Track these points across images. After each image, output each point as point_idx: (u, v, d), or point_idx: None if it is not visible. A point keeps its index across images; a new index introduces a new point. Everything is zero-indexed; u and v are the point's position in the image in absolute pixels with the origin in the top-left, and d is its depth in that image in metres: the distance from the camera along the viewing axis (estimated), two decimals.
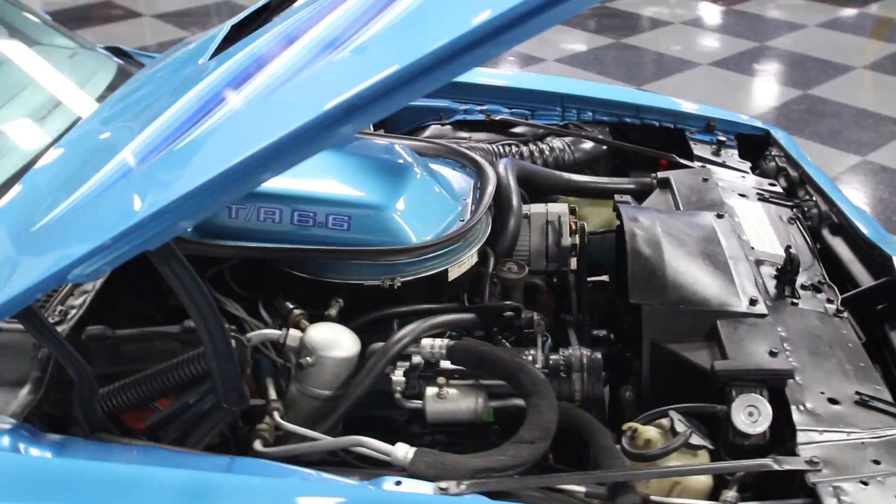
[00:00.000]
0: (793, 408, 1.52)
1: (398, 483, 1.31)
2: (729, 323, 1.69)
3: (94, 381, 1.34)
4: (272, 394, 1.58)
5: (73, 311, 1.54)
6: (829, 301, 1.84)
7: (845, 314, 1.81)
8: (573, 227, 2.02)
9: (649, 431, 1.56)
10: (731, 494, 1.42)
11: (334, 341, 1.56)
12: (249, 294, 1.80)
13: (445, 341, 1.58)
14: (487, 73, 2.77)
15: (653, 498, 1.44)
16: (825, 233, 2.17)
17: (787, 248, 1.84)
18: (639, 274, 1.78)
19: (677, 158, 2.40)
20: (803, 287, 1.87)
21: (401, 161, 1.89)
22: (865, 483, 1.38)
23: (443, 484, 1.30)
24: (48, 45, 2.59)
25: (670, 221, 1.94)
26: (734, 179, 2.29)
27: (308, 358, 1.54)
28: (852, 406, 1.54)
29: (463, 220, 1.83)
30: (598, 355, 1.64)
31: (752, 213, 2.12)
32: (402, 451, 1.38)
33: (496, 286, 1.87)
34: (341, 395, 1.55)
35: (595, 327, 2.03)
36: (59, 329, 1.48)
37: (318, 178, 1.78)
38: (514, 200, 1.99)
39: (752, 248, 1.96)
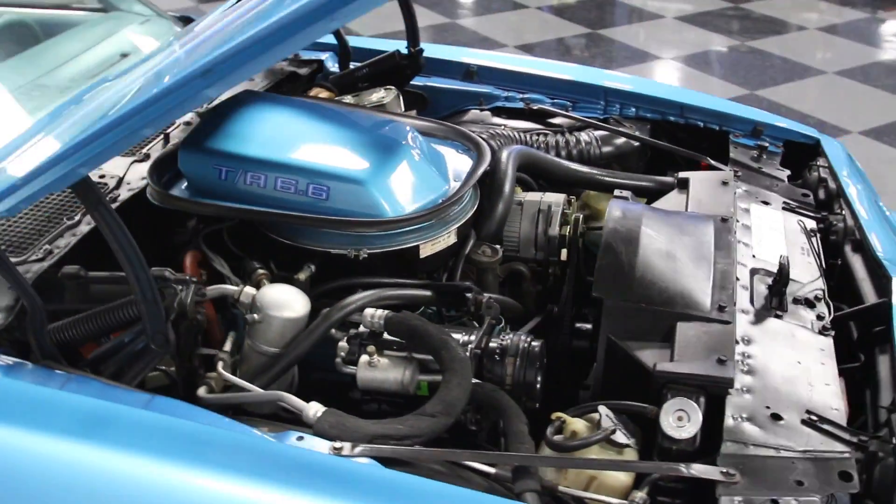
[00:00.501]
0: (729, 418, 1.48)
1: (300, 438, 1.37)
2: (689, 326, 1.65)
3: (44, 313, 1.46)
4: (227, 346, 1.67)
5: (57, 251, 1.68)
6: (820, 317, 1.76)
7: (831, 333, 1.72)
8: (566, 218, 2.01)
9: (577, 423, 1.54)
10: (639, 495, 1.39)
11: (283, 301, 1.63)
12: (244, 255, 1.90)
13: (385, 312, 1.62)
14: (534, 63, 2.76)
15: (561, 489, 1.44)
16: (847, 249, 2.07)
17: (781, 263, 1.77)
18: (606, 268, 1.76)
19: (710, 160, 2.33)
20: (796, 300, 1.79)
21: (395, 137, 1.92)
22: (776, 503, 1.32)
23: (337, 444, 1.35)
24: (127, 11, 2.79)
25: (660, 220, 1.89)
26: (761, 186, 2.21)
27: (255, 315, 1.62)
28: (796, 424, 1.48)
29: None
30: (537, 344, 1.63)
31: (768, 221, 2.04)
32: (313, 410, 1.43)
33: (474, 269, 1.89)
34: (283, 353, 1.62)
35: (584, 320, 2.01)
36: (39, 265, 1.63)
37: (306, 148, 1.85)
38: (507, 186, 1.99)
39: (754, 255, 1.90)
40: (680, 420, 1.48)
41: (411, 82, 2.65)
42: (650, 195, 2.22)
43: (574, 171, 2.22)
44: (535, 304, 2.00)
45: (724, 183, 2.15)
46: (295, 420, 1.52)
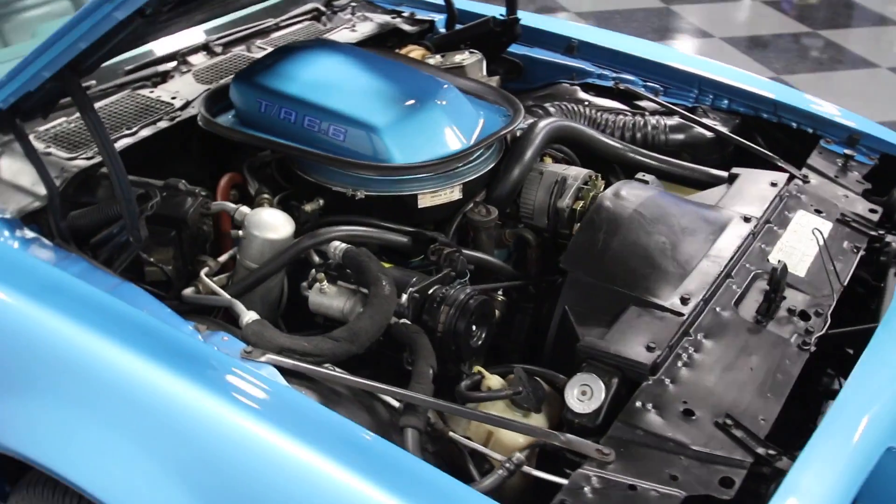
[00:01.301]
0: (637, 403, 1.46)
1: (224, 338, 1.53)
2: (639, 311, 1.63)
3: (58, 198, 1.72)
4: (222, 258, 1.85)
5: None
6: (808, 332, 1.66)
7: (809, 349, 1.62)
8: (582, 193, 2.00)
9: (493, 380, 1.59)
10: (517, 456, 1.42)
11: (266, 223, 1.79)
12: (287, 185, 2.07)
13: (345, 246, 1.73)
14: (635, 43, 2.71)
15: (452, 435, 1.49)
16: (891, 273, 1.90)
17: (774, 268, 1.69)
18: (580, 243, 1.76)
19: (780, 161, 2.20)
20: (790, 310, 1.70)
21: (425, 93, 2.00)
22: (633, 489, 1.31)
23: (248, 348, 1.49)
24: None
25: (665, 207, 1.85)
26: (826, 195, 2.07)
27: (240, 231, 1.79)
28: (707, 424, 1.43)
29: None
30: (478, 299, 1.67)
31: (809, 230, 1.92)
32: (247, 317, 1.58)
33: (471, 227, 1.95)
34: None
35: None
36: (84, 162, 1.89)
37: (337, 93, 1.97)
38: (529, 153, 2.01)
39: (768, 260, 1.81)
40: (584, 394, 1.48)
41: (510, 50, 2.70)
42: (700, 187, 2.16)
43: (620, 151, 2.19)
44: (539, 273, 2.01)
45: (773, 184, 2.04)
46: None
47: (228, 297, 1.67)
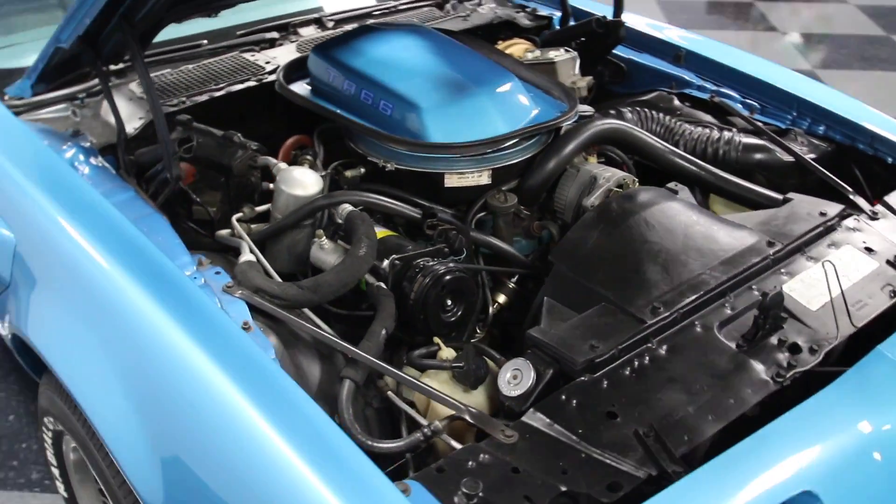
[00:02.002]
0: (561, 396, 1.47)
1: (217, 273, 1.70)
2: (603, 311, 1.63)
3: (124, 136, 1.97)
4: (260, 207, 2.03)
5: (189, 104, 2.18)
6: (790, 366, 1.58)
7: (783, 382, 1.55)
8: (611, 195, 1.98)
9: (446, 352, 1.65)
10: (436, 423, 1.48)
11: (294, 179, 1.94)
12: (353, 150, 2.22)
13: (350, 208, 1.84)
14: (744, 58, 2.61)
15: (389, 394, 1.58)
16: None
17: (765, 293, 1.62)
18: (573, 238, 1.78)
19: (851, 193, 2.06)
20: (781, 341, 1.62)
21: (482, 79, 2.08)
22: (516, 471, 1.33)
23: (230, 284, 1.65)
24: None
25: (675, 218, 1.82)
26: (884, 236, 1.92)
27: (270, 185, 1.96)
28: (625, 430, 1.42)
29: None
30: (455, 273, 1.72)
31: (848, 266, 1.81)
32: (244, 258, 1.74)
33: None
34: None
35: None
36: (169, 108, 2.14)
37: (395, 71, 2.09)
38: (569, 147, 2.02)
39: (780, 287, 1.73)
40: (514, 379, 1.51)
41: (619, 53, 2.69)
42: (753, 207, 2.07)
43: (671, 159, 2.13)
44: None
45: (823, 213, 1.93)
46: None
47: (245, 240, 1.84)
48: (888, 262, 1.84)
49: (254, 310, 1.61)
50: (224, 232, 1.98)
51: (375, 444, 1.42)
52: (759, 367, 1.56)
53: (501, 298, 1.95)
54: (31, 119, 2.14)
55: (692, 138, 2.29)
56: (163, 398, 1.46)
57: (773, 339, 1.63)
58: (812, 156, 2.24)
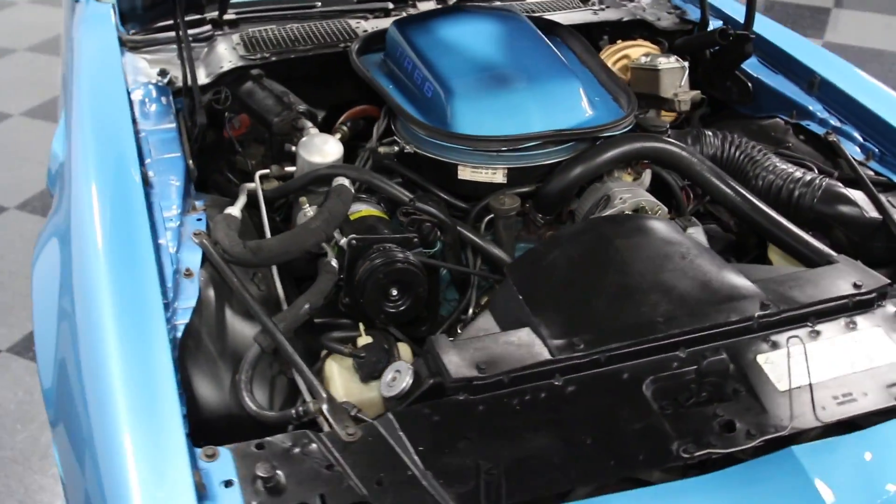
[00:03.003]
0: (424, 409, 1.41)
1: (198, 220, 1.80)
2: (520, 334, 1.52)
3: (188, 82, 2.12)
4: (290, 167, 2.09)
5: (262, 61, 2.28)
6: (708, 444, 1.39)
7: (687, 460, 1.37)
8: None
9: (363, 340, 1.63)
10: (309, 404, 1.47)
11: (312, 146, 1.98)
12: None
13: (342, 181, 1.85)
14: (876, 91, 2.25)
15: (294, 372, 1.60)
16: None
17: (704, 356, 1.44)
18: (533, 253, 1.68)
19: None
20: (716, 414, 1.43)
21: (534, 74, 2.00)
22: (329, 468, 1.30)
23: (198, 231, 1.72)
24: None
25: (657, 255, 1.64)
26: None
27: (293, 147, 2.02)
28: (463, 459, 1.33)
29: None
30: (402, 265, 1.69)
31: (855, 352, 1.54)
32: (228, 210, 1.81)
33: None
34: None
35: None
36: (244, 62, 2.26)
37: (450, 55, 2.06)
38: (596, 159, 1.88)
39: (753, 358, 1.52)
40: (393, 380, 1.48)
41: (747, 69, 2.44)
42: (808, 264, 1.81)
43: (724, 192, 1.90)
44: None
45: (858, 286, 1.64)
46: None
47: (242, 195, 1.91)
48: None
49: (206, 259, 1.69)
50: (250, 185, 2.07)
51: (255, 409, 1.45)
52: (671, 434, 1.38)
53: (485, 301, 1.88)
54: (144, 55, 2.36)
55: (772, 174, 2.03)
56: (71, 304, 1.58)
57: (709, 410, 1.43)
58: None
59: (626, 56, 2.49)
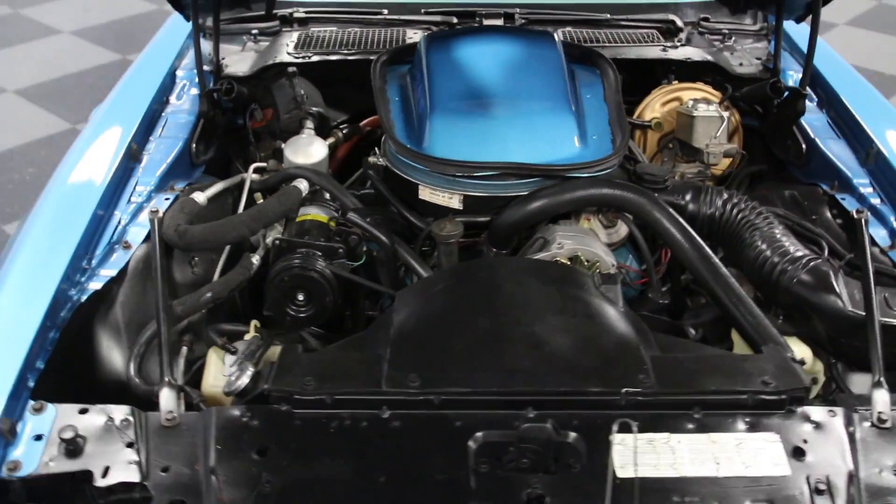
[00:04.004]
0: (236, 410, 1.43)
1: (167, 199, 1.94)
2: (370, 360, 1.49)
3: (217, 68, 2.26)
4: None
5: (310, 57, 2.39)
6: None
7: None
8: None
9: (249, 335, 1.68)
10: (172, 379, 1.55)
11: (298, 146, 2.06)
12: None
13: (302, 185, 1.92)
14: None
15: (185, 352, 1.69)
16: None
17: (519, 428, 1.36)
18: (424, 282, 1.64)
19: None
20: (528, 485, 1.34)
21: (527, 104, 1.97)
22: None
23: (155, 209, 1.85)
24: None
25: (547, 306, 1.54)
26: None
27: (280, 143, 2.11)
28: (230, 463, 1.35)
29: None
30: (305, 272, 1.72)
31: (731, 455, 1.39)
32: (199, 195, 1.91)
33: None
34: None
35: None
36: (285, 57, 2.38)
37: (449, 72, 2.06)
38: (553, 198, 1.80)
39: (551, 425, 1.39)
40: (234, 378, 1.52)
41: (808, 128, 2.21)
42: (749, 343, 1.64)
43: (686, 257, 1.74)
44: None
45: (766, 383, 1.45)
46: None
47: (217, 184, 2.01)
48: (808, 479, 1.34)
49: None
50: (242, 175, 2.16)
51: (135, 380, 1.57)
52: (471, 494, 1.31)
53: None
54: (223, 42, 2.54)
55: (766, 243, 1.82)
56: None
57: (526, 479, 1.34)
58: None
59: (677, 98, 2.34)
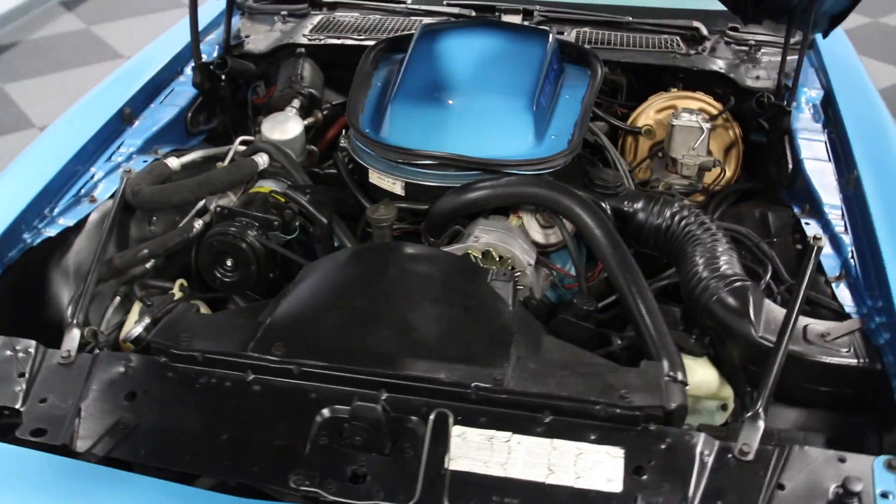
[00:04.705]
0: (122, 358, 1.55)
1: (145, 161, 2.09)
2: (247, 326, 1.57)
3: (228, 43, 2.39)
4: None
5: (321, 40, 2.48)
6: (325, 485, 1.37)
7: (299, 490, 1.37)
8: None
9: (176, 292, 1.81)
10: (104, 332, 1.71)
11: (275, 122, 2.16)
12: None
13: (262, 158, 2.04)
14: None
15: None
16: None
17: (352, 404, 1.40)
18: (331, 258, 1.72)
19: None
20: (355, 461, 1.39)
21: (490, 98, 1.99)
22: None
23: (130, 169, 2.01)
24: None
25: (427, 293, 1.58)
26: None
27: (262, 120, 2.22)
28: (105, 404, 1.47)
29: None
30: (230, 239, 1.82)
31: (568, 465, 1.39)
32: (174, 160, 2.05)
33: None
34: None
35: None
36: (299, 38, 2.49)
37: (429, 61, 2.10)
38: (476, 193, 1.82)
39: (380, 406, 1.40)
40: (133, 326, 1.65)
41: (797, 147, 2.11)
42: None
43: (605, 258, 1.73)
44: None
45: (624, 396, 1.43)
46: None
47: (198, 153, 2.15)
48: (636, 499, 1.32)
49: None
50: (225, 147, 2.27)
51: (69, 321, 1.67)
52: (301, 462, 1.38)
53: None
54: (258, 21, 2.68)
55: (701, 259, 1.76)
56: None
57: (355, 456, 1.38)
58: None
59: (673, 106, 2.28)
